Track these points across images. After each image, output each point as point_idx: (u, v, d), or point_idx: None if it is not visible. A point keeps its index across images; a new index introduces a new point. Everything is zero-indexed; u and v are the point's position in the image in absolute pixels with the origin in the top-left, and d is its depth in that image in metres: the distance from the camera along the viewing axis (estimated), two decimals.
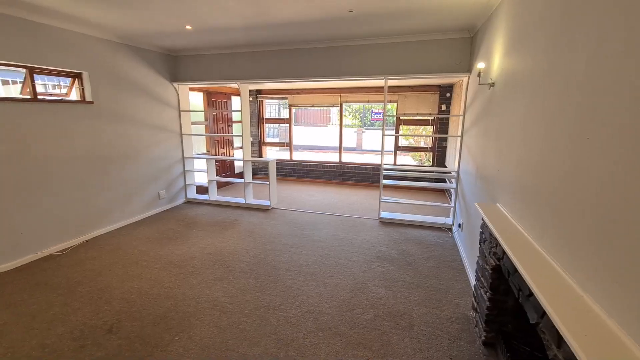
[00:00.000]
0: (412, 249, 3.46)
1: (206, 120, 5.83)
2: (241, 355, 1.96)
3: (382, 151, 4.24)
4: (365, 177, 6.52)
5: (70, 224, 3.52)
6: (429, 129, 6.56)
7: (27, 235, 3.12)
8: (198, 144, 5.69)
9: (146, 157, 4.44)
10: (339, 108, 6.65)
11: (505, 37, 2.30)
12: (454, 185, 4.07)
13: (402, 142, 6.61)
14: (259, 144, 7.22)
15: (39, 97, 3.31)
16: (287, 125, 7.17)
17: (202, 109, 5.71)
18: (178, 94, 4.94)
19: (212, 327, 2.21)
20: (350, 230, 4.01)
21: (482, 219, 2.15)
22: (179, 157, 5.09)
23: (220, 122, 6.17)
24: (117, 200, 4.06)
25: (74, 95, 3.76)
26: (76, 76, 3.68)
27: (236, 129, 6.67)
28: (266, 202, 4.92)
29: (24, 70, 3.22)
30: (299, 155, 7.51)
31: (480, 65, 2.73)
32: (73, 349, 1.98)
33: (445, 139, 5.91)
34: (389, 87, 5.41)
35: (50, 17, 3.13)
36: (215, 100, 5.93)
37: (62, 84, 3.78)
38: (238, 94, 6.55)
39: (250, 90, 6.78)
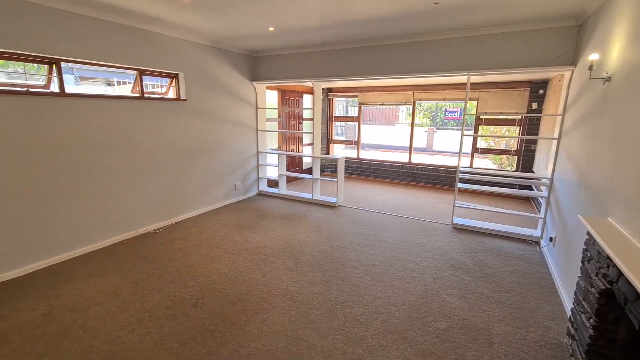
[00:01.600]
0: (491, 261, 3.17)
1: (279, 117, 6.12)
2: (310, 345, 2.01)
3: (459, 152, 3.95)
4: (436, 179, 6.17)
5: (164, 207, 4.00)
6: (514, 130, 5.92)
7: (131, 213, 3.64)
8: (270, 140, 5.99)
9: (226, 151, 4.83)
10: (410, 106, 6.40)
11: (632, 23, 1.94)
12: (544, 193, 3.61)
13: (481, 143, 6.09)
14: (327, 141, 7.34)
15: (145, 95, 3.82)
16: (354, 123, 7.14)
17: (276, 107, 6.00)
18: (256, 92, 5.27)
19: (283, 314, 2.31)
20: (419, 234, 3.83)
21: (588, 235, 1.86)
22: (254, 152, 5.42)
23: (292, 119, 6.42)
24: (201, 189, 4.49)
25: (171, 94, 4.25)
26: (174, 77, 4.15)
27: (306, 126, 6.87)
28: (333, 199, 4.97)
29: (135, 72, 3.75)
30: (365, 154, 7.44)
31: (592, 56, 2.34)
32: (166, 316, 2.25)
33: (535, 142, 5.27)
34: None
35: (157, 25, 3.58)
36: (288, 99, 6.19)
37: (162, 83, 4.31)
38: (310, 93, 6.75)
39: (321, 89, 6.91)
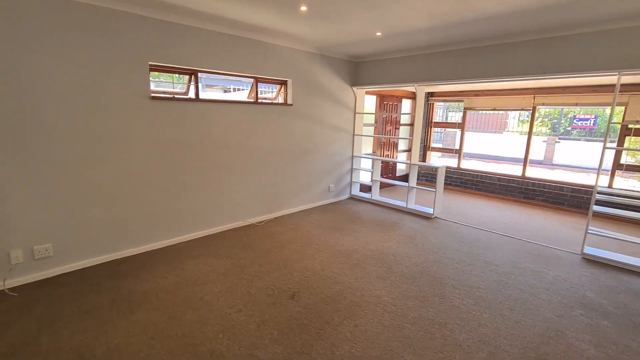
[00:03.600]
0: None
1: (376, 122, 6.07)
2: None
3: (598, 168, 3.25)
4: (558, 198, 5.23)
5: (266, 203, 4.36)
6: None
7: (240, 206, 4.07)
8: (365, 145, 5.99)
9: (324, 153, 5.01)
10: (527, 112, 5.59)
11: None
12: None
13: (627, 159, 4.92)
14: (423, 148, 6.96)
15: (258, 100, 4.24)
16: (454, 130, 6.59)
17: (374, 112, 5.97)
18: (355, 97, 5.33)
19: (376, 322, 2.24)
20: (536, 260, 3.28)
21: None
22: (349, 156, 5.49)
23: (389, 124, 6.29)
24: (299, 188, 4.76)
25: (279, 99, 4.62)
26: (283, 83, 4.50)
27: (402, 132, 6.65)
28: (429, 210, 4.67)
29: (252, 79, 4.19)
30: (467, 164, 6.79)
31: None
32: (267, 304, 2.42)
33: None
34: (613, 85, 4.10)
35: (272, 37, 3.93)
36: (386, 103, 6.09)
37: (270, 89, 4.73)
38: (409, 97, 6.52)
39: None
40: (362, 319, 2.27)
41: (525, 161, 5.65)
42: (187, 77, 3.63)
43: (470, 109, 6.28)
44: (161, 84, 3.87)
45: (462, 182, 6.35)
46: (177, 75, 3.75)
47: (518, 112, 5.56)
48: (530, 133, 5.61)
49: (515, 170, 5.84)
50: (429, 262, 3.18)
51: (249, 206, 4.18)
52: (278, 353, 1.93)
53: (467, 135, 6.63)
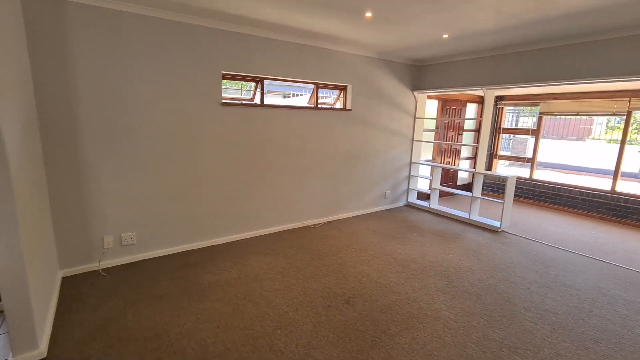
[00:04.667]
0: None
1: (437, 127, 5.80)
2: None
3: None
4: None
5: (322, 206, 4.43)
6: None
7: (297, 207, 4.19)
8: (425, 151, 5.76)
9: (381, 159, 4.93)
10: (620, 117, 4.88)
11: None
12: None
13: None
14: (489, 156, 6.47)
15: (318, 105, 4.34)
16: (526, 136, 6.00)
17: (435, 117, 5.72)
18: (416, 102, 5.17)
19: (436, 338, 2.12)
20: (629, 289, 2.84)
21: None
22: (407, 162, 5.33)
23: (451, 130, 5.98)
24: (354, 193, 4.74)
25: (338, 104, 4.68)
26: (342, 88, 4.55)
27: (466, 138, 6.27)
28: (495, 223, 4.31)
29: (312, 85, 4.30)
30: (540, 174, 6.12)
31: None
32: (323, 306, 2.45)
33: None
34: None
35: (334, 43, 4.00)
36: (449, 108, 5.80)
37: (328, 95, 4.80)
38: (475, 101, 6.13)
39: None
40: (421, 332, 2.17)
41: (615, 173, 4.93)
42: (252, 83, 3.87)
43: (547, 113, 5.68)
44: (227, 90, 4.18)
45: (534, 194, 5.76)
46: (242, 82, 4.02)
47: (607, 117, 4.87)
48: (623, 141, 4.89)
49: (601, 184, 5.12)
50: (495, 280, 2.94)
51: (306, 209, 4.28)
52: (334, 356, 1.93)
53: (542, 142, 6.00)
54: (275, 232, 3.98)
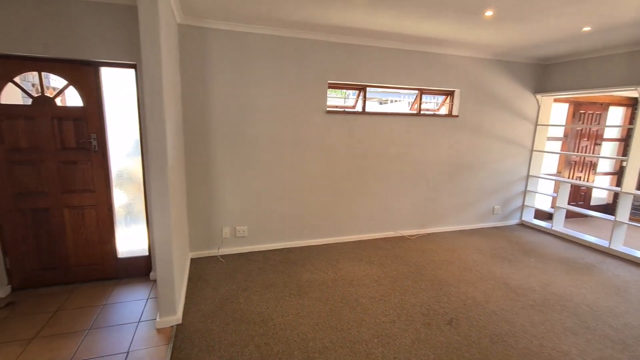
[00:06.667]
0: None
1: (565, 135, 4.92)
2: None
3: None
4: None
5: (419, 216, 4.21)
6: None
7: (393, 216, 4.08)
8: (547, 163, 4.94)
9: (491, 170, 4.44)
10: None
11: None
12: None
13: None
14: None
15: (421, 112, 4.16)
16: None
17: (563, 123, 4.86)
18: (539, 106, 4.49)
19: None
20: None
21: None
22: (523, 175, 4.66)
23: (585, 139, 4.99)
24: (457, 206, 4.37)
25: (443, 110, 4.40)
26: (449, 94, 4.26)
27: (606, 149, 5.15)
28: None
29: (412, 91, 4.15)
30: None
31: None
32: (422, 323, 2.31)
33: None
34: None
35: (441, 47, 3.78)
36: (584, 113, 4.86)
37: (430, 100, 4.55)
38: (620, 104, 4.99)
39: None
40: None
41: None
42: (349, 91, 3.96)
43: None
44: (329, 99, 4.35)
45: None
46: (342, 90, 4.14)
47: None
48: None
49: None
50: None
51: (402, 218, 4.14)
52: None
53: None
54: (370, 240, 3.96)
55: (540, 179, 4.65)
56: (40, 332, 2.14)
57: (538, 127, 4.53)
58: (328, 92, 3.57)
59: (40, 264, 2.66)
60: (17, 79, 2.44)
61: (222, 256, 3.39)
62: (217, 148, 3.26)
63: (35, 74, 2.48)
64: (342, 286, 2.80)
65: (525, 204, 4.73)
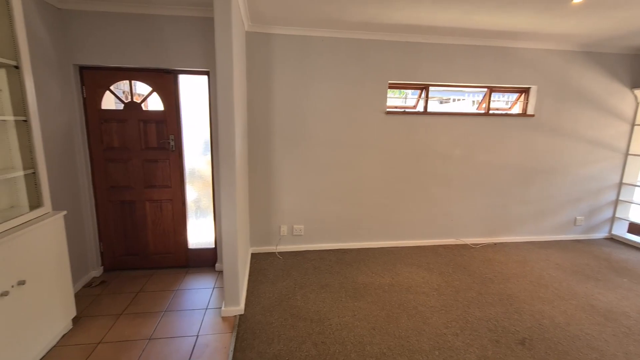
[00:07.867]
0: None
1: None
2: None
3: None
4: None
5: (485, 224, 3.90)
6: None
7: (455, 223, 3.84)
8: None
9: (573, 175, 3.93)
10: None
11: None
12: None
13: None
14: None
15: (490, 111, 3.85)
16: None
17: None
18: (638, 103, 3.86)
19: None
20: None
21: None
22: (615, 182, 4.05)
23: None
24: (530, 215, 3.96)
25: (515, 109, 4.01)
26: (523, 91, 3.88)
27: None
28: None
29: (485, 89, 3.86)
30: None
31: None
32: (489, 338, 2.13)
33: None
34: None
35: (513, 40, 3.45)
36: None
37: (506, 99, 4.17)
38: None
39: None
40: None
41: None
42: (408, 91, 3.81)
43: None
44: (388, 99, 4.24)
45: None
46: (402, 90, 4.00)
47: None
48: None
49: None
50: None
51: (465, 225, 3.87)
52: None
53: None
54: (429, 246, 3.77)
55: (637, 188, 4.00)
56: (126, 309, 2.42)
57: (635, 127, 3.90)
58: (387, 93, 3.49)
59: (126, 250, 3.02)
60: (112, 87, 2.81)
61: (280, 253, 3.50)
62: (277, 149, 3.38)
63: (127, 82, 2.83)
64: (399, 292, 2.71)
65: (617, 215, 4.11)
